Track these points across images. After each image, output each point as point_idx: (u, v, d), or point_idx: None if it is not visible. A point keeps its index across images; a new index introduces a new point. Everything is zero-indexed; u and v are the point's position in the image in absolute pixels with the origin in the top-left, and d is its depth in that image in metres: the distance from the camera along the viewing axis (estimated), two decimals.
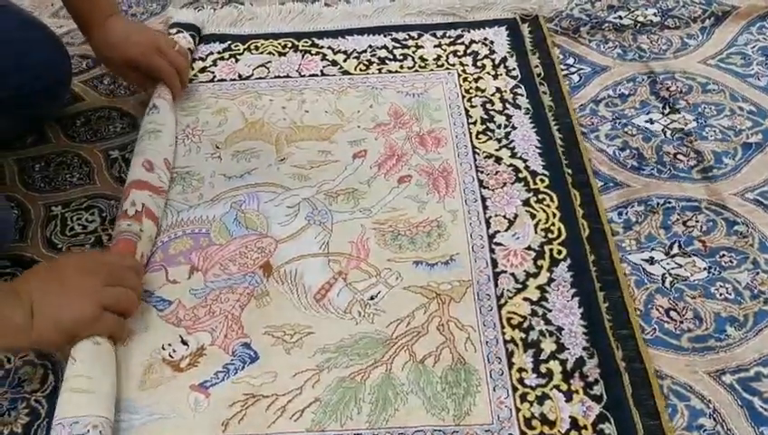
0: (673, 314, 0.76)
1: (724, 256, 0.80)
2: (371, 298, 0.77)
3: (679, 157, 0.91)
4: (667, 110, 0.97)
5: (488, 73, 1.03)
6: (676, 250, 0.81)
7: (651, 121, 0.96)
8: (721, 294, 0.77)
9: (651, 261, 0.80)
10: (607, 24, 1.10)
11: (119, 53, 0.93)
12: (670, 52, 1.06)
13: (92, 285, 0.68)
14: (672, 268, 0.79)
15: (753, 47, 1.05)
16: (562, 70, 1.03)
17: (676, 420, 0.67)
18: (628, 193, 0.87)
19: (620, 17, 1.11)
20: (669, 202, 0.86)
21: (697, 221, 0.84)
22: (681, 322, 0.75)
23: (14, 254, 0.83)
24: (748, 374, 0.70)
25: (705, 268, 0.79)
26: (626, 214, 0.85)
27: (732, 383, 0.70)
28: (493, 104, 0.98)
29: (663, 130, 0.95)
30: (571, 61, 1.06)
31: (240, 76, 1.05)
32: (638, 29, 1.09)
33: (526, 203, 0.85)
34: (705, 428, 0.67)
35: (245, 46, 1.10)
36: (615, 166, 0.91)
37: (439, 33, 1.10)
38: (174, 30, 1.09)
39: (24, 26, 0.92)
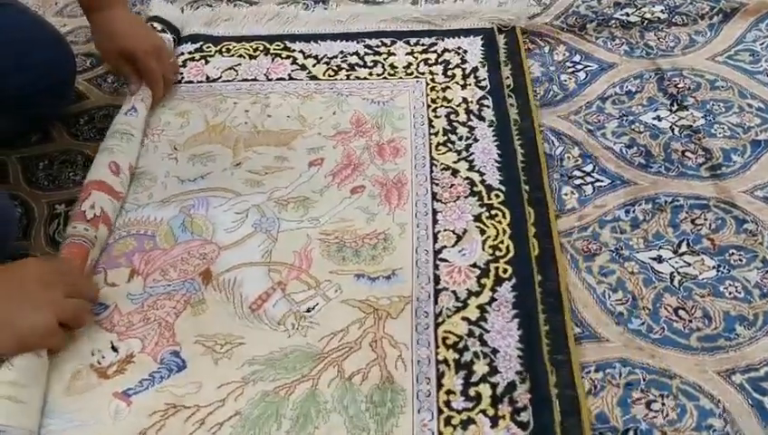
0: (682, 312, 0.74)
1: (733, 254, 0.79)
2: (308, 310, 0.76)
3: (687, 154, 0.89)
4: (675, 107, 0.96)
5: (457, 83, 1.01)
6: (684, 248, 0.80)
7: (659, 119, 0.94)
8: (730, 293, 0.75)
9: (659, 259, 0.79)
10: (614, 21, 1.09)
11: (119, 42, 0.93)
12: (678, 48, 1.04)
13: (52, 297, 0.67)
14: (680, 267, 0.78)
15: (762, 44, 1.03)
16: (569, 67, 1.02)
17: (685, 420, 0.66)
18: (635, 191, 0.86)
19: (627, 14, 1.10)
20: (677, 200, 0.84)
21: (706, 219, 0.82)
22: (690, 321, 0.73)
23: (18, 253, 0.83)
24: (758, 374, 0.69)
25: (713, 267, 0.78)
26: (633, 212, 0.84)
27: (742, 383, 0.68)
28: (457, 115, 0.97)
29: (671, 127, 0.93)
30: (577, 58, 1.05)
31: (208, 78, 1.04)
32: (646, 26, 1.08)
33: (477, 218, 0.84)
34: (715, 428, 0.66)
35: (217, 48, 1.09)
36: (622, 163, 0.89)
37: (413, 40, 1.09)
38: (156, 26, 1.08)
39: (28, 25, 0.92)
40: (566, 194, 0.87)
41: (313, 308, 0.76)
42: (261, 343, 0.73)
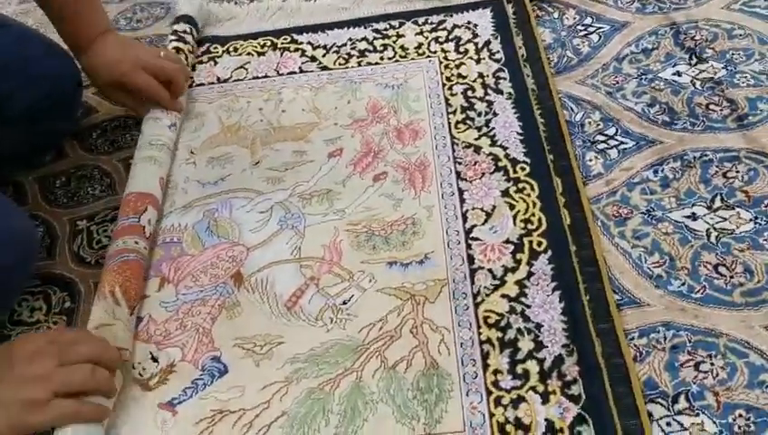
0: (722, 269, 0.73)
1: None
2: (344, 303, 0.75)
3: (712, 107, 0.88)
4: (694, 60, 0.94)
5: (470, 58, 1.00)
6: (718, 203, 0.78)
7: (679, 74, 0.93)
8: None
9: (694, 217, 0.77)
10: None
11: (106, 76, 0.89)
12: (691, 0, 1.02)
13: (42, 369, 0.62)
14: (716, 222, 0.77)
15: None
16: (580, 31, 1.01)
17: (737, 378, 0.65)
18: (661, 150, 0.85)
19: None
20: (706, 155, 0.83)
21: (738, 171, 0.81)
22: (731, 277, 0.72)
23: (43, 272, 0.84)
24: None
25: (750, 219, 0.76)
26: (662, 171, 0.83)
27: None
28: (474, 91, 0.96)
29: (692, 81, 0.92)
30: (588, 21, 1.03)
31: (218, 79, 1.04)
32: None
33: (505, 193, 0.83)
34: None
35: (224, 48, 1.08)
36: (645, 123, 0.88)
37: (421, 19, 1.07)
38: (178, 25, 1.07)
39: (30, 43, 0.91)
40: (590, 160, 0.86)
41: (349, 300, 0.76)
42: (300, 340, 0.73)
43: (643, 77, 0.94)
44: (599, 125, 0.90)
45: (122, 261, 0.75)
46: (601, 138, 0.88)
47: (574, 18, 1.04)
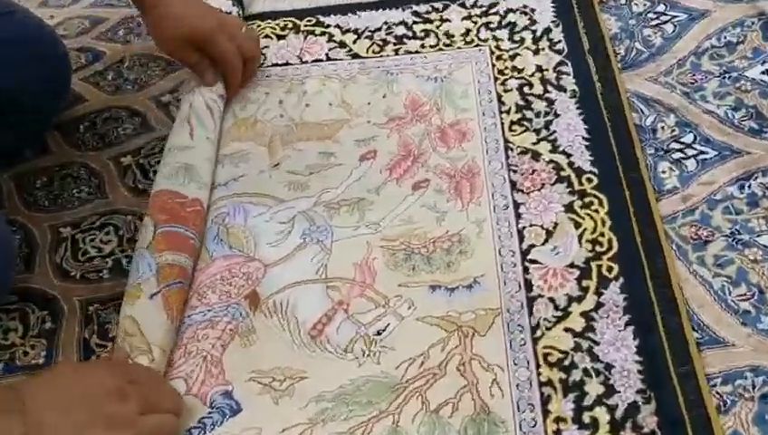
0: None
1: None
2: (378, 333, 0.75)
3: None
4: None
5: (527, 49, 1.00)
6: None
7: None
8: None
9: None
10: None
11: (181, 28, 0.90)
12: None
13: (126, 416, 0.62)
14: None
15: None
16: (652, 20, 1.01)
17: None
18: (748, 162, 0.83)
19: None
20: None
21: None
22: None
23: (20, 287, 0.83)
24: None
25: None
26: (749, 187, 0.82)
27: None
28: (531, 87, 0.95)
29: None
30: (661, 8, 1.03)
31: None
32: None
33: (569, 208, 0.82)
34: None
35: None
36: (729, 129, 0.87)
37: (469, 2, 1.07)
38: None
39: (11, 23, 0.91)
40: (664, 172, 0.85)
41: (384, 330, 0.75)
42: (327, 375, 0.72)
43: (726, 75, 0.93)
44: (673, 131, 0.89)
45: (179, 288, 0.77)
46: (677, 146, 0.88)
47: (644, 4, 1.03)
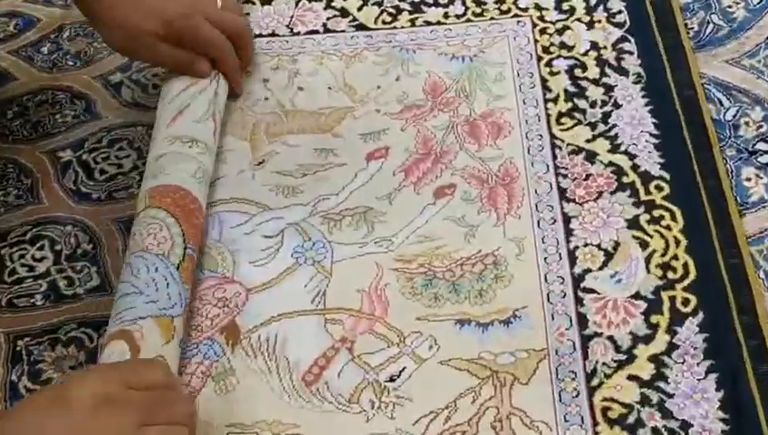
0: None
1: None
2: (391, 379, 0.75)
3: None
4: None
5: (579, 21, 1.01)
6: None
7: None
8: None
9: None
10: None
11: (149, 23, 0.90)
12: None
13: (120, 430, 0.63)
14: None
15: None
16: None
17: None
18: None
19: None
20: None
21: None
22: None
23: None
24: None
25: None
26: None
27: None
28: (585, 69, 0.96)
29: None
30: None
31: None
32: None
33: (634, 224, 0.83)
34: None
35: None
36: None
37: None
38: None
39: None
40: (749, 179, 0.87)
41: (399, 375, 0.76)
42: (326, 432, 0.73)
43: None
44: (760, 127, 0.90)
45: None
46: (764, 147, 0.89)
47: None
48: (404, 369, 0.76)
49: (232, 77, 0.96)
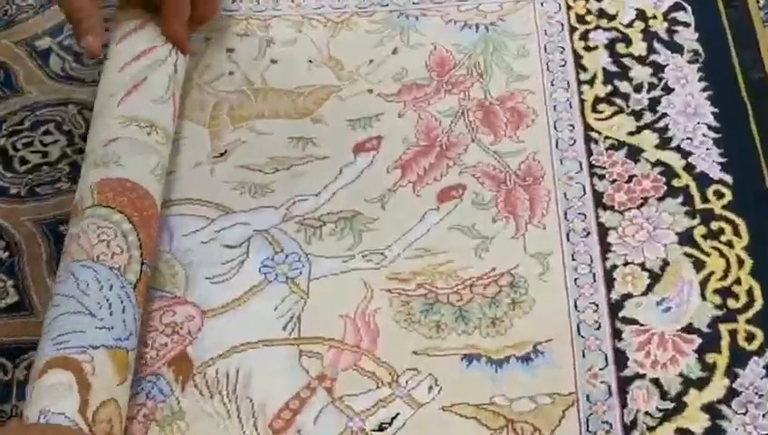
0: None
1: None
2: (380, 428, 0.75)
3: None
4: None
5: None
6: None
7: None
8: None
9: None
10: None
11: None
12: None
13: None
14: None
15: None
16: None
17: None
18: None
19: None
20: None
21: None
22: None
23: None
24: None
25: None
26: None
27: None
28: (629, 44, 0.97)
29: None
30: None
31: None
32: None
33: (686, 239, 0.83)
34: None
35: None
36: None
37: None
38: None
39: None
40: None
41: (391, 423, 0.75)
42: None
43: None
44: None
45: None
46: None
47: None
48: (397, 416, 0.76)
49: (176, 30, 0.93)
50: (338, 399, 0.77)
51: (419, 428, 0.75)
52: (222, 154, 0.93)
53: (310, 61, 0.99)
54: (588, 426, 0.74)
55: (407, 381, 0.78)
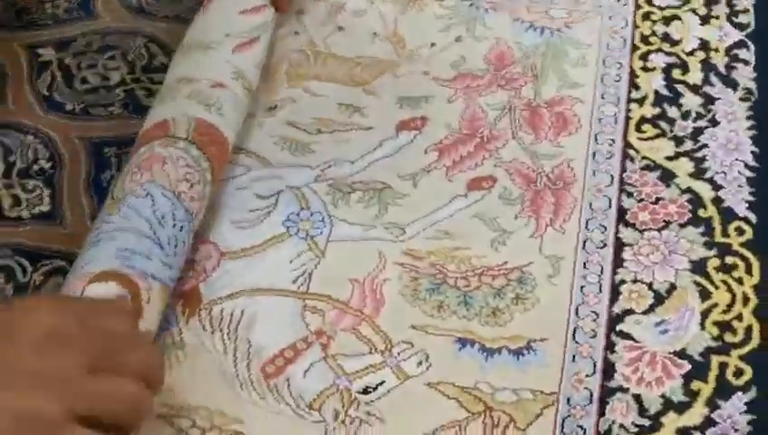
0: None
1: None
2: (365, 391, 0.76)
3: None
4: None
5: (693, 12, 1.02)
6: None
7: None
8: None
9: None
10: None
11: None
12: None
13: (61, 372, 0.63)
14: None
15: None
16: None
17: None
18: None
19: None
20: None
21: None
22: None
23: None
24: None
25: None
26: None
27: None
28: (686, 71, 0.97)
29: None
30: None
31: None
32: None
33: (699, 268, 0.84)
34: None
35: None
36: None
37: None
38: None
39: None
40: None
41: (376, 389, 0.77)
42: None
43: None
44: None
45: None
46: None
47: None
48: (383, 383, 0.77)
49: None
50: (331, 356, 0.78)
51: (401, 398, 0.76)
52: (272, 109, 0.94)
53: (374, 34, 1.00)
54: (563, 427, 0.75)
55: (399, 353, 0.79)
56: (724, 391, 0.77)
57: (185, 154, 0.80)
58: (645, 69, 0.97)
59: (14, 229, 0.87)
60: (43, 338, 0.63)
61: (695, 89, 0.96)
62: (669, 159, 0.91)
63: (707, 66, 0.97)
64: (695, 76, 0.97)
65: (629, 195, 0.88)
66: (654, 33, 1.00)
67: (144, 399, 0.66)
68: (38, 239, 0.86)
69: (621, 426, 0.75)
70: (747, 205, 0.88)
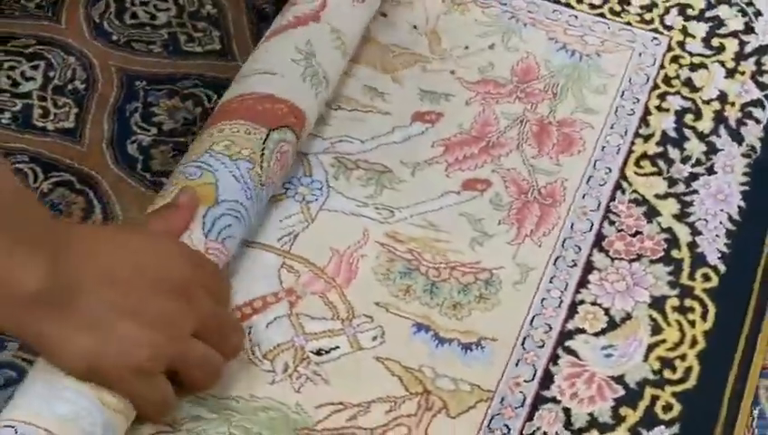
0: None
1: None
2: (318, 352, 0.81)
3: None
4: None
5: (721, 63, 1.04)
6: None
7: None
8: None
9: None
10: None
11: None
12: None
13: (177, 328, 0.71)
14: None
15: None
16: None
17: None
18: None
19: None
20: None
21: None
22: None
23: None
24: None
25: None
26: None
27: None
28: (698, 117, 1.00)
29: None
30: None
31: None
32: None
33: (657, 304, 0.86)
34: None
35: None
36: None
37: None
38: None
39: None
40: None
41: (328, 352, 0.81)
42: (223, 377, 0.77)
43: None
44: None
45: None
46: None
47: None
48: (336, 348, 0.81)
49: None
50: (295, 315, 0.83)
51: (349, 365, 0.80)
52: None
53: (414, 27, 1.04)
54: (490, 422, 0.78)
55: (358, 325, 0.83)
56: (649, 421, 0.80)
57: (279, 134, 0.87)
58: (659, 108, 1.00)
59: (37, 138, 0.92)
60: (171, 289, 0.71)
61: (701, 136, 0.98)
62: (659, 197, 0.93)
63: (719, 117, 0.99)
64: (705, 124, 0.99)
65: (612, 223, 0.91)
66: (677, 77, 1.02)
67: (220, 371, 0.75)
68: (56, 152, 0.91)
69: (545, 434, 0.78)
70: (720, 255, 0.90)
